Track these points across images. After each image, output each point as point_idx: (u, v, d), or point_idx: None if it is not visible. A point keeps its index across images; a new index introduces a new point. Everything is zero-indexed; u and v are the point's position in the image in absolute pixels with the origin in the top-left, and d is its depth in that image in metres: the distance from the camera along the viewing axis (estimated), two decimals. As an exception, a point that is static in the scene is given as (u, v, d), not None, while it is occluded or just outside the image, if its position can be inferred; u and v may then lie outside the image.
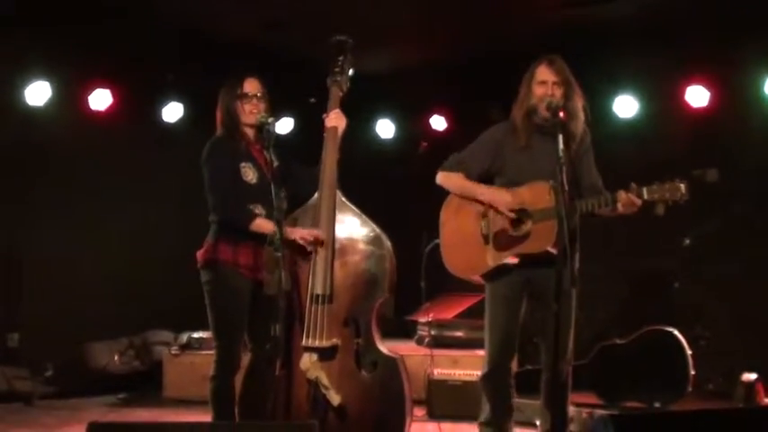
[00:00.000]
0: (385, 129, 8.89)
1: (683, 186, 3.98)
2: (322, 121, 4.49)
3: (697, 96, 7.28)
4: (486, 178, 4.46)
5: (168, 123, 7.99)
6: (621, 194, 4.08)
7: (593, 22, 7.04)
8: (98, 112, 7.51)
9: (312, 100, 7.58)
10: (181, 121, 7.99)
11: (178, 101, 7.95)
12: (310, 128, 7.72)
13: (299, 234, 4.24)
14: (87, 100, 7.47)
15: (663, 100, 7.55)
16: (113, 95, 7.53)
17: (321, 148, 4.43)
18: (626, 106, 7.58)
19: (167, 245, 7.59)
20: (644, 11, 6.84)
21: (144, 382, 7.17)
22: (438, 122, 8.66)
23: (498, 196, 4.33)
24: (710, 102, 7.25)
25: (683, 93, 7.33)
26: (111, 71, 7.42)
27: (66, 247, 7.39)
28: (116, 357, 7.28)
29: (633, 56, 7.14)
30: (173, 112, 7.96)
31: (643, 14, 6.89)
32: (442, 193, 4.56)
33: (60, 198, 7.35)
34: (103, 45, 6.94)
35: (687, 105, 7.33)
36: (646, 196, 4.04)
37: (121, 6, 6.64)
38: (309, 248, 4.26)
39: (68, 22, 6.63)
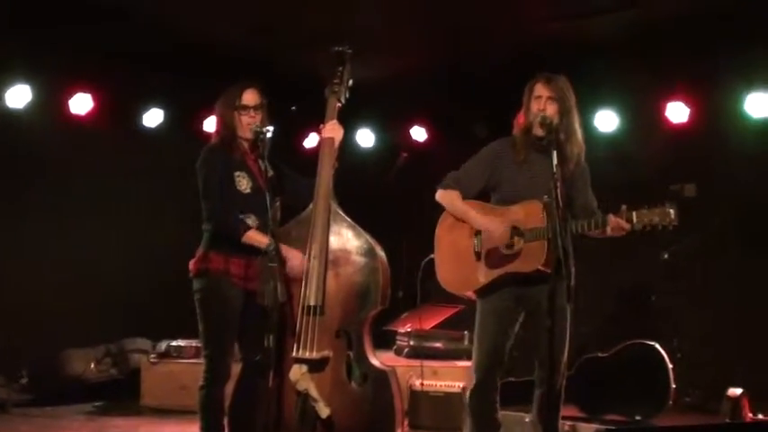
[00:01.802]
0: (365, 138, 8.89)
1: (672, 212, 3.96)
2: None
3: (677, 112, 7.38)
4: (484, 194, 4.46)
5: (149, 128, 7.95)
6: (611, 218, 4.07)
7: (576, 36, 7.09)
8: (78, 117, 7.48)
9: (293, 108, 7.54)
10: (161, 126, 7.96)
11: (159, 106, 7.91)
12: (290, 136, 7.79)
13: (291, 256, 4.20)
14: (68, 104, 7.44)
15: (643, 115, 7.65)
16: (94, 100, 7.51)
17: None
18: (607, 121, 7.67)
19: (146, 251, 7.55)
20: (626, 27, 6.91)
21: (121, 391, 7.09)
22: (418, 133, 8.68)
23: (492, 225, 4.28)
24: (690, 118, 7.35)
25: (663, 108, 7.43)
26: (93, 75, 7.39)
27: (42, 251, 7.31)
28: (93, 365, 7.19)
29: (615, 71, 7.19)
30: (153, 117, 7.94)
31: (625, 30, 6.95)
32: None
33: (39, 202, 7.29)
34: (85, 49, 6.92)
35: (667, 121, 7.43)
36: (635, 220, 4.02)
37: (103, 10, 6.58)
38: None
39: (50, 25, 6.57)
